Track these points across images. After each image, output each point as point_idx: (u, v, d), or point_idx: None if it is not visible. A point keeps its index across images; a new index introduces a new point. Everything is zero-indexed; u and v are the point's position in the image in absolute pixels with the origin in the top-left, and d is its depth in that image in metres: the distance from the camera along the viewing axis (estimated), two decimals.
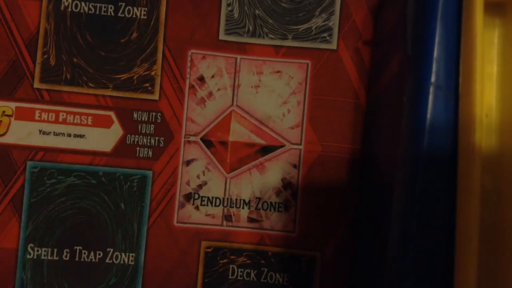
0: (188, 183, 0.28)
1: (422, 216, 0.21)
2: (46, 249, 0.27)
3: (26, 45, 0.27)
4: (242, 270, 0.28)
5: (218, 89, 0.28)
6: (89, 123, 0.28)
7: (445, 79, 0.21)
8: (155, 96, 0.28)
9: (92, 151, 0.28)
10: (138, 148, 0.28)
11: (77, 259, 0.27)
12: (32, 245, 0.27)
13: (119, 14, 0.28)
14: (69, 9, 0.27)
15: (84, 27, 0.28)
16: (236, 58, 0.28)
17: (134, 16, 0.28)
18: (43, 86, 0.27)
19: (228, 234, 0.28)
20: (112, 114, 0.28)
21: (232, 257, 0.28)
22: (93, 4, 0.28)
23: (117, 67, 0.28)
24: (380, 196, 0.24)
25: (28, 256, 0.27)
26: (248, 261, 0.28)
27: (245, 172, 0.28)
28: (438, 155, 0.21)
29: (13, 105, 0.27)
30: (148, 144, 0.28)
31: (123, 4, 0.28)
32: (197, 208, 0.28)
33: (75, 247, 0.27)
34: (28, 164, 0.27)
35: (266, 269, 0.28)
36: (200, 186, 0.28)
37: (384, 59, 0.26)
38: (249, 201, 0.28)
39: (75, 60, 0.27)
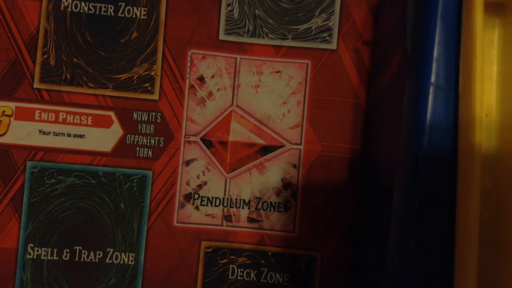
0: (188, 183, 0.28)
1: (422, 216, 0.21)
2: (46, 249, 0.27)
3: (26, 45, 0.27)
4: (242, 270, 0.28)
5: (218, 89, 0.28)
6: (89, 123, 0.28)
7: (445, 79, 0.21)
8: (155, 96, 0.28)
9: (92, 151, 0.28)
10: (138, 148, 0.28)
11: (77, 259, 0.27)
12: (32, 245, 0.27)
13: (119, 14, 0.28)
14: (69, 9, 0.27)
15: (84, 27, 0.28)
16: (236, 58, 0.28)
17: (134, 16, 0.28)
18: (43, 86, 0.27)
19: (228, 234, 0.28)
20: (112, 114, 0.28)
21: (232, 257, 0.28)
22: (93, 4, 0.28)
23: (117, 67, 0.28)
24: (380, 196, 0.24)
25: (28, 256, 0.27)
26: (248, 261, 0.28)
27: (245, 172, 0.28)
28: (438, 155, 0.21)
29: (13, 105, 0.27)
30: (148, 144, 0.28)
31: (123, 4, 0.28)
32: (197, 208, 0.28)
33: (75, 247, 0.27)
34: (28, 164, 0.27)
35: (266, 269, 0.28)
36: (200, 186, 0.28)
37: (384, 59, 0.26)
38: (249, 201, 0.28)
39: (75, 60, 0.27)
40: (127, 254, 0.27)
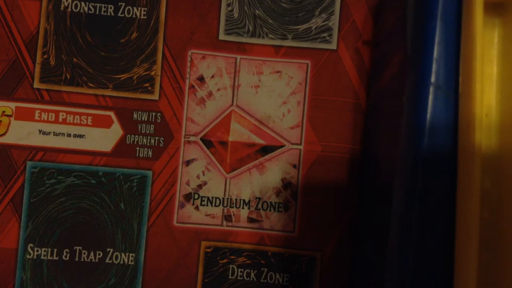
0: (188, 183, 0.28)
1: (422, 216, 0.21)
2: (46, 249, 0.27)
3: (26, 45, 0.27)
4: (242, 270, 0.28)
5: (218, 89, 0.28)
6: (89, 123, 0.28)
7: (445, 79, 0.21)
8: (155, 96, 0.28)
9: (92, 151, 0.28)
10: (138, 148, 0.28)
11: (77, 259, 0.27)
12: (32, 245, 0.27)
13: (119, 14, 0.28)
14: (69, 9, 0.27)
15: (84, 27, 0.27)
16: (236, 58, 0.28)
17: (134, 16, 0.28)
18: (43, 86, 0.27)
19: (228, 234, 0.28)
20: (112, 114, 0.28)
21: (232, 257, 0.28)
22: (93, 4, 0.28)
23: (117, 67, 0.28)
24: (380, 196, 0.24)
25: (28, 256, 0.27)
26: (248, 261, 0.28)
27: (245, 172, 0.28)
28: (438, 155, 0.21)
29: (13, 105, 0.27)
30: (148, 144, 0.28)
31: (123, 4, 0.28)
32: (197, 208, 0.28)
33: (75, 247, 0.27)
34: (28, 164, 0.27)
35: (266, 269, 0.28)
36: (200, 186, 0.28)
37: (384, 59, 0.26)
38: (249, 201, 0.28)
39: (75, 60, 0.27)
40: (127, 254, 0.27)
